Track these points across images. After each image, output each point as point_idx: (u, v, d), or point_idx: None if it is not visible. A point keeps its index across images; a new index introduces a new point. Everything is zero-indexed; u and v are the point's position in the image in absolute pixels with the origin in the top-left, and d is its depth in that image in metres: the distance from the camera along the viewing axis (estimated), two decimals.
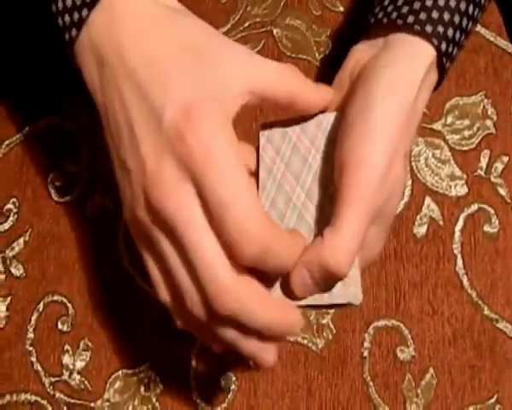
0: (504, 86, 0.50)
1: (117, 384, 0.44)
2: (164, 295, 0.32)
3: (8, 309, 0.46)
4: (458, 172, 0.48)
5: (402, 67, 0.34)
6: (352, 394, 0.44)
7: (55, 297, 0.46)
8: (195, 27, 0.32)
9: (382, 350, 0.45)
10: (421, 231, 0.46)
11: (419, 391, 0.44)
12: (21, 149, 0.49)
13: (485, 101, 0.49)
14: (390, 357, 0.45)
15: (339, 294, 0.33)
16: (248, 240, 0.28)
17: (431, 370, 0.44)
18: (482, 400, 0.44)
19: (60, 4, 0.31)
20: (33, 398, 0.44)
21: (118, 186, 0.32)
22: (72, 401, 0.44)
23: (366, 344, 0.45)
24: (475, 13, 0.36)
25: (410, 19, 0.34)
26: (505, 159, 0.48)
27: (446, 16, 0.34)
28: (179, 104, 0.28)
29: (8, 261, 0.47)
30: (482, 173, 0.48)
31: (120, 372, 0.45)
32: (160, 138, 0.28)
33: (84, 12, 0.31)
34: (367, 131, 0.32)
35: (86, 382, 0.44)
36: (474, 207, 0.47)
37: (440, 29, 0.34)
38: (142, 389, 0.44)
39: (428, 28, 0.34)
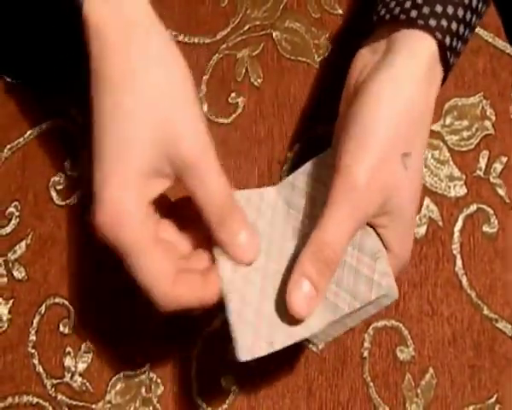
0: (503, 87, 0.50)
1: (118, 386, 0.45)
2: None
3: (10, 312, 0.46)
4: (457, 173, 0.48)
5: (400, 65, 0.33)
6: (353, 394, 0.44)
7: (57, 300, 0.46)
8: None
9: (382, 350, 0.45)
10: (420, 231, 0.47)
11: (419, 391, 0.44)
12: (23, 152, 0.49)
13: (484, 102, 0.49)
14: (390, 357, 0.45)
15: (369, 292, 0.32)
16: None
17: (431, 370, 0.44)
18: (482, 399, 0.44)
19: None
20: (35, 400, 0.44)
21: None
22: (74, 402, 0.44)
23: (366, 345, 0.45)
24: (479, 6, 0.35)
25: (413, 13, 0.33)
26: (504, 159, 0.48)
27: (450, 10, 0.34)
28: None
29: (10, 264, 0.47)
30: (481, 174, 0.48)
31: (122, 374, 0.45)
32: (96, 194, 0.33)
33: None
34: (353, 137, 0.33)
35: (88, 384, 0.45)
36: (473, 207, 0.47)
37: (444, 23, 0.33)
38: (143, 390, 0.45)
39: (432, 22, 0.33)
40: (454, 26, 0.34)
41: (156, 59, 0.33)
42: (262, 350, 0.33)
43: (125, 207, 0.32)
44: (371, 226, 0.34)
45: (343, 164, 0.32)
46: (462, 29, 0.34)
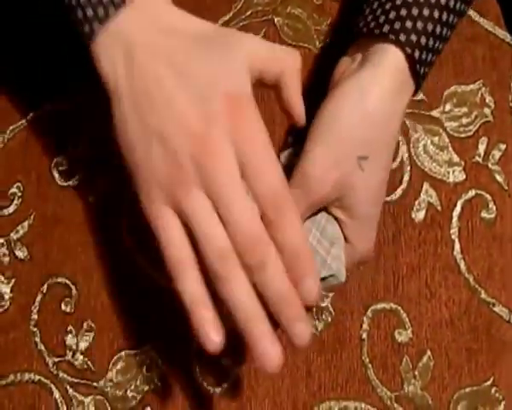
0: (502, 75, 0.50)
1: (119, 365, 0.45)
2: (181, 254, 0.32)
3: (12, 291, 0.47)
4: (456, 159, 0.48)
5: (367, 74, 0.36)
6: (351, 375, 0.45)
7: (59, 279, 0.47)
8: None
9: (380, 333, 0.45)
10: (419, 216, 0.47)
11: (416, 373, 0.45)
12: (25, 134, 0.50)
13: (483, 89, 0.50)
14: (388, 339, 0.45)
15: (321, 267, 0.37)
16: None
17: (428, 352, 0.45)
18: (478, 382, 0.45)
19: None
20: (37, 377, 0.45)
21: (132, 166, 0.34)
22: (76, 380, 0.45)
23: (365, 327, 0.46)
24: (450, 19, 0.38)
25: (386, 28, 0.36)
26: (502, 146, 0.49)
27: (420, 25, 0.36)
28: (223, 90, 0.32)
29: (12, 244, 0.47)
30: (480, 160, 0.48)
31: (123, 353, 0.45)
32: (207, 111, 0.31)
33: (111, 10, 0.33)
34: (316, 132, 0.37)
35: (89, 362, 0.45)
36: (472, 193, 0.48)
37: (414, 37, 0.36)
38: (145, 369, 0.45)
39: (402, 37, 0.36)
40: (423, 40, 0.36)
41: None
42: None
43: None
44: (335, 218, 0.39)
45: (306, 151, 0.37)
46: (431, 42, 0.37)
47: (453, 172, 0.48)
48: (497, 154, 0.49)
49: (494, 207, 0.47)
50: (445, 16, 0.37)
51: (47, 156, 0.49)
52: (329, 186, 0.36)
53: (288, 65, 0.35)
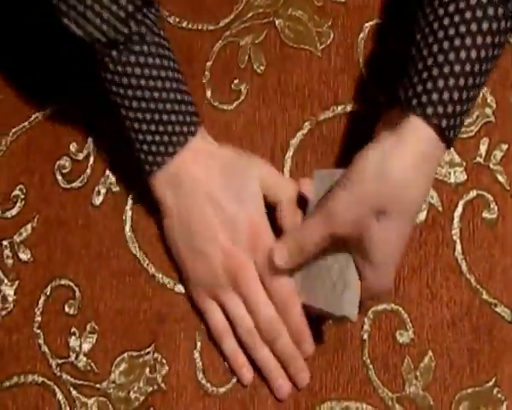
0: (504, 75, 0.50)
1: (122, 366, 0.45)
2: (222, 326, 0.45)
3: (15, 293, 0.47)
4: (457, 160, 0.48)
5: (387, 141, 0.39)
6: (352, 376, 0.45)
7: (62, 281, 0.47)
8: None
9: (382, 333, 0.46)
10: (420, 217, 0.47)
11: (418, 373, 0.45)
12: (28, 136, 0.50)
13: (485, 89, 0.50)
14: (389, 340, 0.45)
15: (335, 304, 0.41)
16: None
17: (430, 353, 0.45)
18: (480, 382, 0.45)
19: (144, 147, 0.44)
20: (40, 379, 0.45)
21: (182, 268, 0.46)
22: (79, 382, 0.45)
23: (366, 327, 0.46)
24: (477, 81, 0.39)
25: (414, 102, 0.38)
26: (504, 147, 0.49)
27: (446, 95, 0.38)
28: (247, 216, 0.44)
29: (15, 246, 0.48)
30: (481, 161, 0.48)
31: (126, 355, 0.46)
32: (233, 232, 0.44)
33: (167, 158, 0.44)
34: (345, 180, 0.40)
35: (92, 364, 0.45)
36: (473, 193, 0.48)
37: (440, 109, 0.38)
38: (148, 370, 0.45)
39: (429, 110, 0.38)
40: (450, 109, 0.38)
41: None
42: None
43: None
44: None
45: (334, 191, 0.41)
46: (458, 108, 0.38)
47: (454, 172, 0.48)
48: (498, 154, 0.49)
49: (496, 208, 0.47)
50: (470, 81, 0.38)
51: (50, 159, 0.50)
52: (349, 223, 0.39)
53: (287, 195, 0.45)
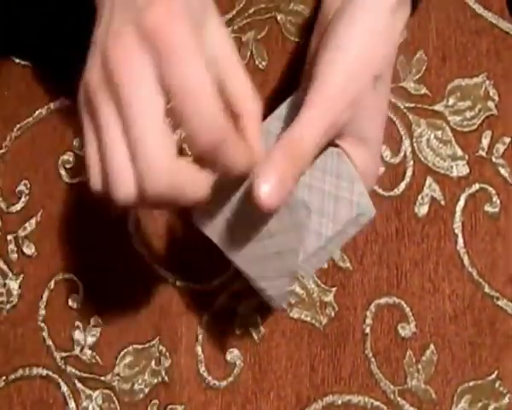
0: (506, 68, 0.50)
1: (127, 359, 0.46)
2: (95, 179, 0.31)
3: (20, 287, 0.47)
4: (460, 153, 0.48)
5: None
6: (354, 369, 0.45)
7: (66, 275, 0.48)
8: None
9: (384, 327, 0.46)
10: (422, 210, 0.47)
11: (420, 367, 0.45)
12: (32, 132, 0.50)
13: (487, 82, 0.49)
14: (391, 334, 0.46)
15: (350, 212, 0.35)
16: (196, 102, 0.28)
17: (432, 346, 0.45)
18: (482, 376, 0.45)
19: None
20: (45, 372, 0.46)
21: None
22: (84, 375, 0.46)
23: (368, 321, 0.46)
24: None
25: None
26: (507, 140, 0.49)
27: None
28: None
29: (20, 241, 0.48)
30: (483, 154, 0.48)
31: (130, 347, 0.46)
32: (132, 9, 0.29)
33: None
34: (329, 51, 0.34)
35: (97, 356, 0.46)
36: (476, 186, 0.48)
37: None
38: (152, 363, 0.46)
39: None
40: None
41: None
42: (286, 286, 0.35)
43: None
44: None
45: (320, 70, 0.34)
46: None
47: (457, 166, 0.48)
48: (501, 147, 0.48)
49: (498, 201, 0.47)
50: None
51: (54, 154, 0.50)
52: (348, 100, 0.34)
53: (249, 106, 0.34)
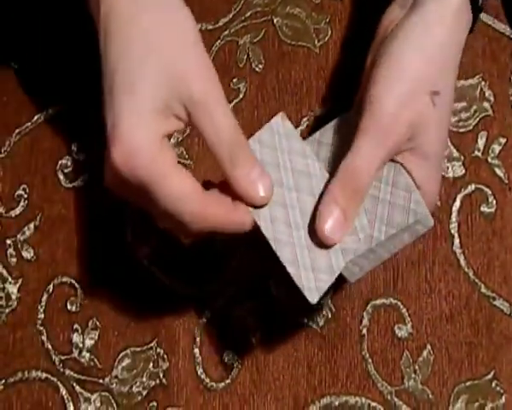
0: (502, 69, 0.50)
1: (125, 362, 0.46)
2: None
3: (19, 291, 0.48)
4: (455, 154, 0.48)
5: (430, 9, 0.35)
6: (351, 370, 0.45)
7: (65, 279, 0.48)
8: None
9: (380, 328, 0.46)
10: None
11: (416, 367, 0.45)
12: (31, 137, 0.51)
13: (483, 83, 0.50)
14: (388, 334, 0.46)
15: (406, 219, 0.35)
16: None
17: (428, 347, 0.45)
18: (479, 376, 0.45)
19: None
20: (44, 375, 0.46)
21: None
22: (82, 377, 0.46)
23: (365, 322, 0.46)
24: None
25: None
26: (502, 140, 0.49)
27: None
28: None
29: (19, 245, 0.49)
30: (479, 154, 0.48)
31: (128, 350, 0.46)
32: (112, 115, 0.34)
33: None
34: (384, 72, 0.34)
35: (95, 359, 0.46)
36: (471, 187, 0.48)
37: None
38: (150, 365, 0.46)
39: None
40: None
41: (160, 4, 0.34)
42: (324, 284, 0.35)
43: (139, 140, 0.32)
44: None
45: (373, 94, 0.34)
46: None
47: (452, 166, 0.48)
48: (496, 148, 0.48)
49: (494, 202, 0.47)
50: None
51: (52, 158, 0.50)
52: (404, 126, 0.34)
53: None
